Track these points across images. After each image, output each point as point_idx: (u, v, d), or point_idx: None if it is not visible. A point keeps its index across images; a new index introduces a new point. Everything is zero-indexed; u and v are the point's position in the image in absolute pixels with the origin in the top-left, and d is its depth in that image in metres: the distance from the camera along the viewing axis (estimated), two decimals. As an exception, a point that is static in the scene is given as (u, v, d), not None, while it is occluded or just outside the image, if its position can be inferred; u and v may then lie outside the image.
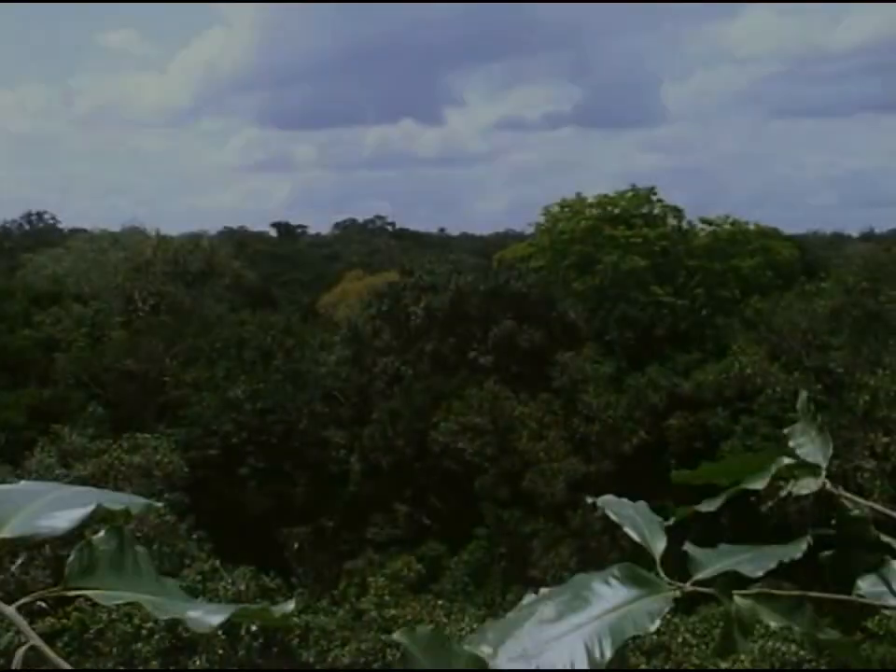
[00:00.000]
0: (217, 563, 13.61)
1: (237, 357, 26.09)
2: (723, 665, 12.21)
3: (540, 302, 21.65)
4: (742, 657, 12.40)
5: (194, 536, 16.16)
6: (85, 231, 50.08)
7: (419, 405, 21.57)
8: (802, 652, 13.63)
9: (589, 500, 1.60)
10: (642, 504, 1.48)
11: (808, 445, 1.78)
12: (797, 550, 1.43)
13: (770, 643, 12.94)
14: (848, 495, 1.60)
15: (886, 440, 14.46)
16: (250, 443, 23.43)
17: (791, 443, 1.83)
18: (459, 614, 13.54)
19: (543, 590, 1.33)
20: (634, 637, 1.16)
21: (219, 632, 12.11)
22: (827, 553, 1.88)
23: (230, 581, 12.75)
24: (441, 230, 70.65)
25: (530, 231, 29.90)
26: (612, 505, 1.50)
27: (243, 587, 12.61)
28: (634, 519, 1.46)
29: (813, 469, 1.85)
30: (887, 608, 1.40)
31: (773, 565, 1.33)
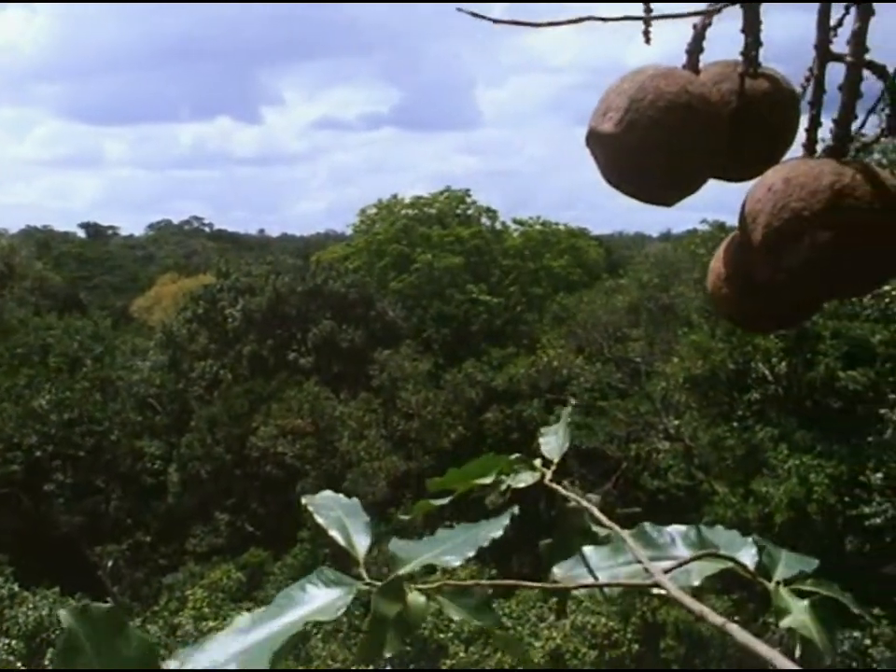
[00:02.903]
0: (16, 587, 12.73)
1: (41, 363, 24.53)
2: (537, 644, 12.77)
3: (359, 302, 21.76)
4: (554, 634, 13.03)
5: (-8, 560, 15.06)
6: None
7: (238, 410, 21.11)
8: (611, 624, 14.50)
9: (303, 500, 1.64)
10: (353, 504, 1.55)
11: (551, 443, 1.95)
12: (496, 529, 1.53)
13: (580, 617, 13.66)
14: (559, 488, 1.75)
15: (677, 422, 15.64)
16: (56, 457, 22.09)
17: (539, 441, 1.99)
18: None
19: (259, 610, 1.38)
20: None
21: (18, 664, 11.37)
22: (546, 541, 2.04)
23: (31, 605, 11.96)
24: (261, 231, 69.40)
25: (350, 231, 29.98)
26: (320, 507, 1.57)
27: (45, 612, 11.86)
28: (340, 521, 1.53)
29: (531, 465, 2.01)
30: (585, 586, 1.54)
31: (472, 552, 1.42)
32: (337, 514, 1.55)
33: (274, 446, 18.54)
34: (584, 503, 1.52)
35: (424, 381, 18.68)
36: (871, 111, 0.94)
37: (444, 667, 12.96)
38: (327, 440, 18.21)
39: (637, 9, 1.00)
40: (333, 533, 1.44)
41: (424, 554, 1.36)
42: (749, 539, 1.43)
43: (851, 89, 0.87)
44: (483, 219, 26.27)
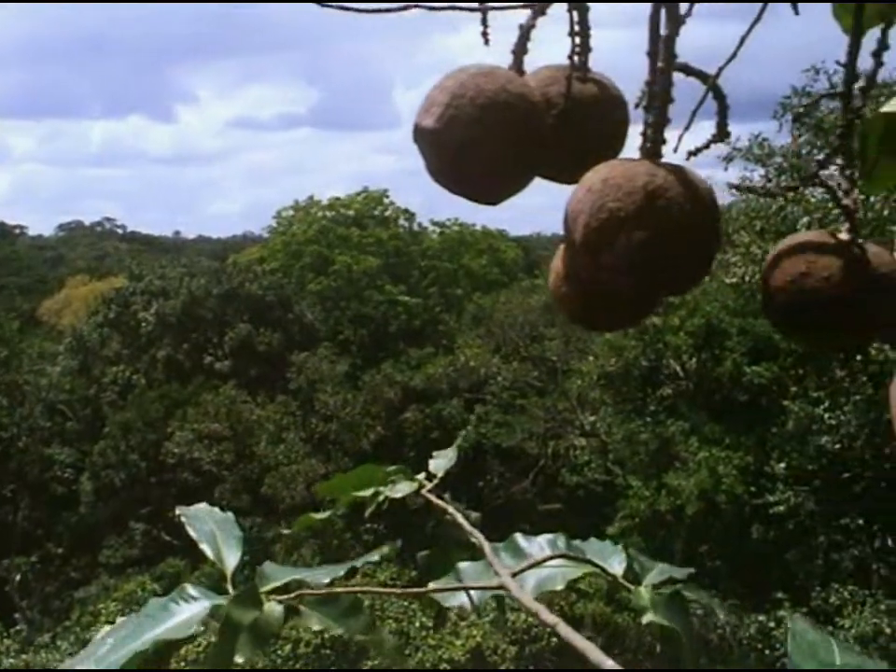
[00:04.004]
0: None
1: (-60, 370, 23.51)
2: (458, 643, 12.87)
3: (276, 305, 21.51)
4: (475, 632, 13.14)
5: None
6: None
7: (153, 415, 20.62)
8: (531, 619, 14.72)
9: (177, 511, 1.64)
10: (226, 518, 1.56)
11: (440, 462, 2.00)
12: (375, 555, 1.56)
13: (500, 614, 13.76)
14: (436, 500, 1.79)
15: (593, 418, 15.96)
16: (-41, 468, 21.21)
17: (430, 461, 2.05)
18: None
19: (120, 619, 1.37)
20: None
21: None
22: (424, 553, 2.09)
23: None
24: (176, 233, 67.82)
25: (267, 233, 29.57)
26: (194, 520, 1.57)
27: (-52, 630, 11.37)
28: (212, 534, 1.54)
29: (410, 476, 2.07)
30: (436, 590, 1.57)
31: (342, 573, 1.45)
32: (210, 528, 1.56)
33: (191, 452, 18.19)
34: (459, 517, 1.56)
35: (342, 382, 18.59)
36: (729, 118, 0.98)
37: (365, 668, 12.95)
38: (244, 444, 17.95)
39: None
40: (203, 547, 1.45)
41: (292, 574, 1.39)
42: (619, 548, 1.50)
43: (663, 93, 0.89)
44: (401, 220, 26.30)
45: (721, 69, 1.01)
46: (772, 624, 12.19)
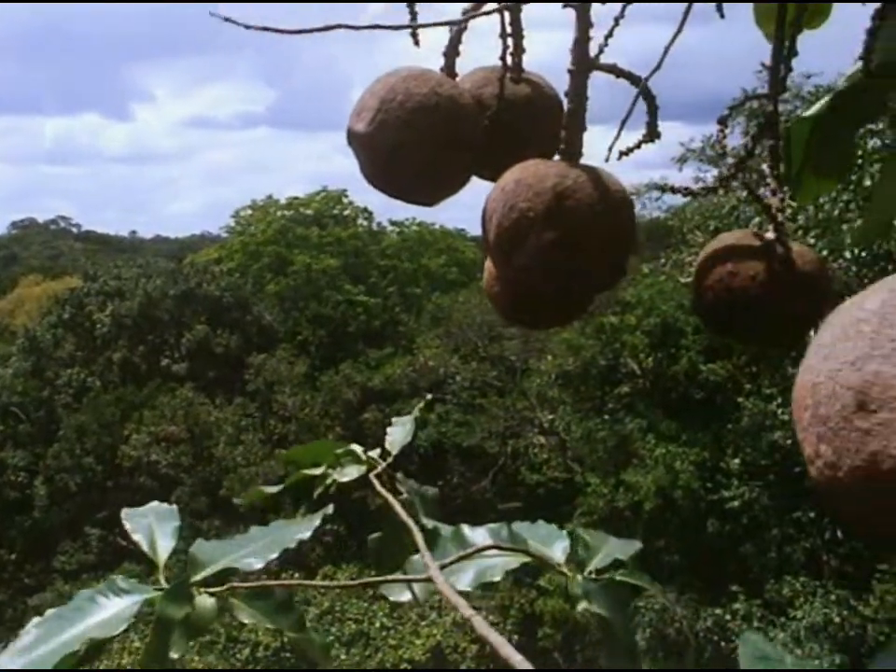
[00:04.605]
0: None
1: None
2: (418, 642, 12.87)
3: (234, 306, 21.33)
4: (435, 631, 13.16)
5: None
6: None
7: (109, 418, 20.31)
8: (491, 617, 14.77)
9: (122, 513, 1.62)
10: (169, 510, 1.54)
11: (395, 435, 1.98)
12: (304, 531, 1.55)
13: (461, 614, 13.79)
14: (380, 486, 1.79)
15: (552, 417, 16.08)
16: None
17: (387, 430, 2.02)
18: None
19: (50, 610, 1.35)
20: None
21: None
22: (375, 535, 2.08)
23: None
24: (133, 232, 66.79)
25: (225, 233, 29.30)
26: (133, 515, 1.56)
27: None
28: (148, 527, 1.52)
29: (359, 457, 2.05)
30: (363, 583, 1.56)
31: (275, 555, 1.44)
32: (148, 521, 1.55)
33: (148, 455, 17.96)
34: (397, 506, 1.55)
35: (300, 384, 18.50)
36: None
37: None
38: (202, 446, 17.78)
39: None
40: (137, 537, 1.44)
41: (224, 557, 1.37)
42: (564, 533, 1.51)
43: (577, 95, 0.90)
44: (360, 220, 26.23)
45: (651, 72, 1.03)
46: (728, 617, 12.39)
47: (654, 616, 12.66)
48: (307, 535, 1.47)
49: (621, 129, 1.04)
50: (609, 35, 1.08)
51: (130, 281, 23.03)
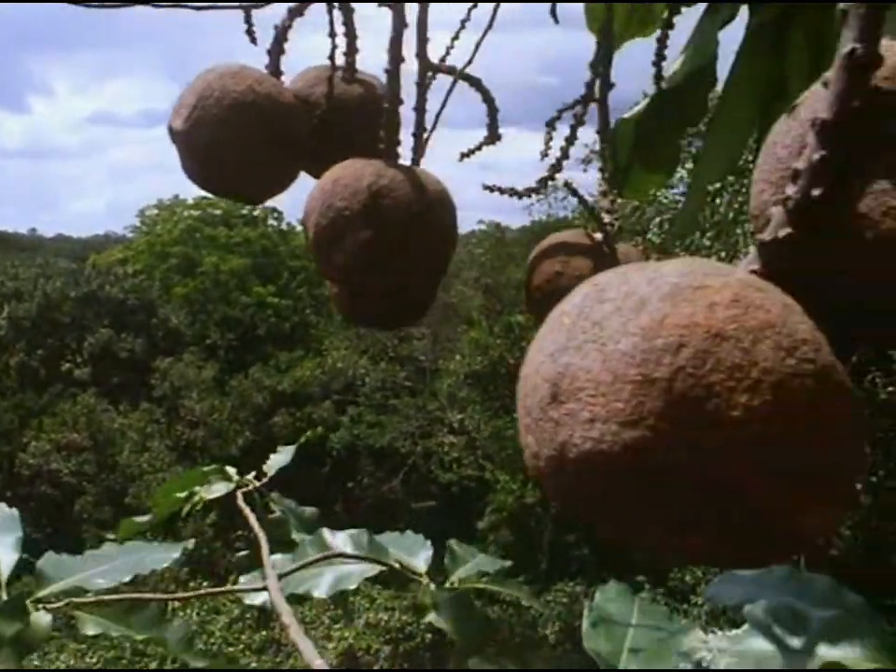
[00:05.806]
0: None
1: None
2: (330, 645, 12.79)
3: (139, 308, 20.74)
4: (346, 634, 13.09)
5: None
6: None
7: (6, 426, 19.53)
8: (404, 618, 14.78)
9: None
10: (10, 516, 1.51)
11: (276, 460, 2.00)
12: (163, 560, 1.53)
13: (374, 615, 13.83)
14: (242, 504, 1.79)
15: (461, 416, 16.20)
16: None
17: (270, 457, 2.04)
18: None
19: None
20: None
21: None
22: (244, 553, 2.08)
23: None
24: (32, 230, 64.15)
25: (131, 233, 28.47)
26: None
27: None
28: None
29: (227, 475, 2.05)
30: (212, 592, 1.58)
31: (128, 577, 1.41)
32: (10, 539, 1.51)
33: (48, 463, 17.32)
34: (254, 521, 1.55)
35: (209, 388, 18.13)
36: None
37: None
38: (106, 454, 17.24)
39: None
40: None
41: (73, 575, 1.35)
42: (428, 543, 1.53)
43: (392, 95, 0.90)
44: (270, 220, 25.85)
45: (462, 70, 1.06)
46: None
47: (563, 609, 12.87)
48: (162, 565, 1.46)
49: (430, 128, 1.04)
50: (455, 37, 1.11)
51: (28, 282, 22.17)
